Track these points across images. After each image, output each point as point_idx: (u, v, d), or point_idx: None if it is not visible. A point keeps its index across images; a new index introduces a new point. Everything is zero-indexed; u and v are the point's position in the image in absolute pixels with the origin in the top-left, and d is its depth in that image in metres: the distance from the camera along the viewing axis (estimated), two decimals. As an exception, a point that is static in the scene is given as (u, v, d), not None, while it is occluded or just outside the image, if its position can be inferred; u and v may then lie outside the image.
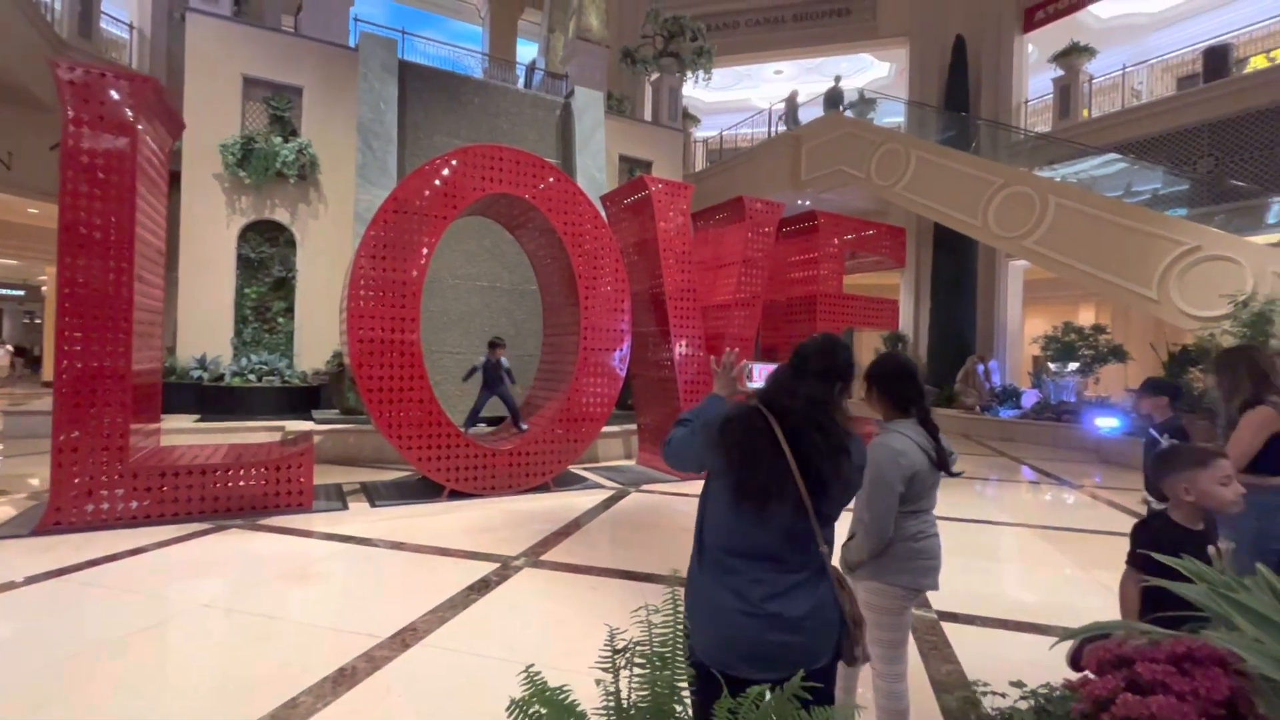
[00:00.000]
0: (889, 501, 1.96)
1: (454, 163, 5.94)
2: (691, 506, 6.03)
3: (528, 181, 6.32)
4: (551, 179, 6.46)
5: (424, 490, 6.15)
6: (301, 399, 9.56)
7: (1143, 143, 12.81)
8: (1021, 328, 15.96)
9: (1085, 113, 14.52)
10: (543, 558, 4.42)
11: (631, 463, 8.31)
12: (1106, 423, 10.82)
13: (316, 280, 10.44)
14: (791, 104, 15.30)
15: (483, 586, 3.83)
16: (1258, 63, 14.06)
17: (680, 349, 7.26)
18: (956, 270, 15.19)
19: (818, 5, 17.47)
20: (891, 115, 15.51)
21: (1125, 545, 2.03)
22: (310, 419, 8.60)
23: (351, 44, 11.31)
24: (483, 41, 18.86)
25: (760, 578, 1.44)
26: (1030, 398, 13.51)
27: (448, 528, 5.13)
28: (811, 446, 1.44)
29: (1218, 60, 12.78)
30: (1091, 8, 15.04)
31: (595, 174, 11.58)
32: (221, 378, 9.28)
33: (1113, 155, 12.27)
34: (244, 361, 9.57)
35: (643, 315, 7.50)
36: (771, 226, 7.91)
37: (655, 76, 14.51)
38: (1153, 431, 3.29)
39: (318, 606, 3.59)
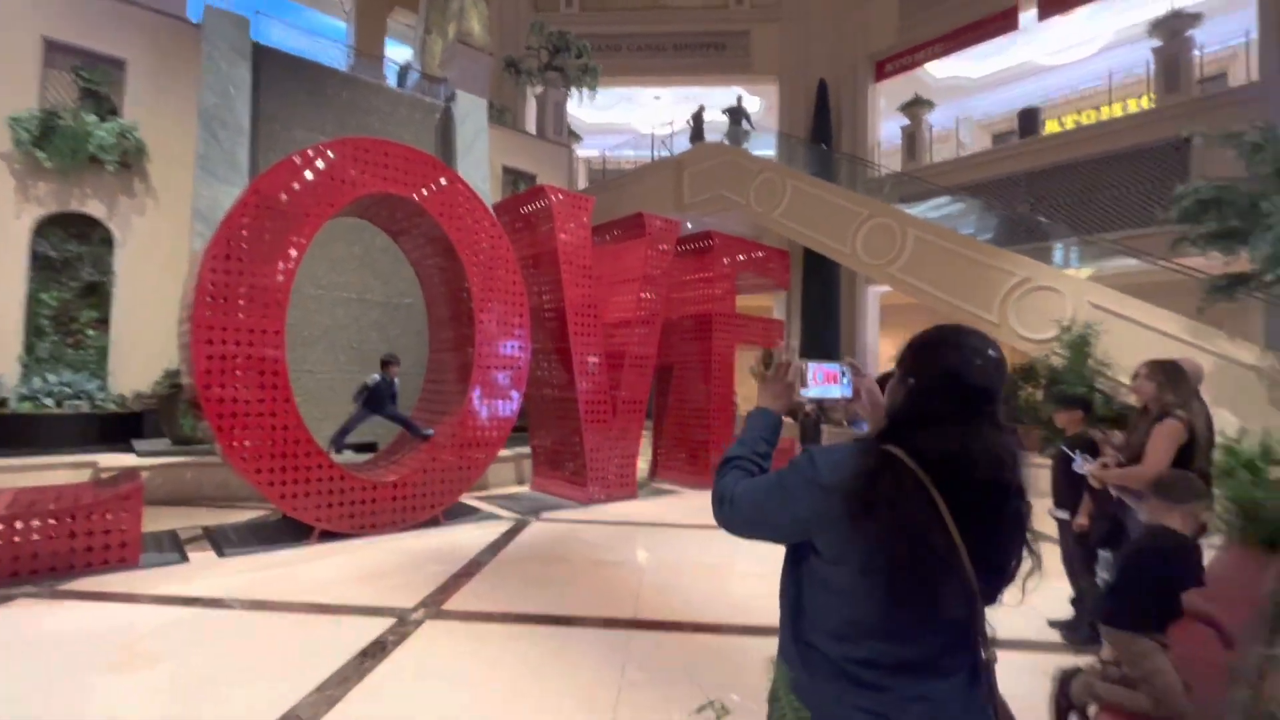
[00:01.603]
0: None
1: (331, 155, 5.21)
2: (600, 535, 5.65)
3: (417, 182, 5.71)
4: (444, 181, 5.90)
5: (287, 533, 5.24)
6: (118, 428, 7.94)
7: (975, 186, 14.55)
8: (878, 347, 17.40)
9: (928, 157, 16.28)
10: (446, 606, 3.84)
11: (526, 489, 7.78)
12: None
13: (141, 286, 8.82)
14: (698, 120, 15.65)
15: (378, 650, 3.21)
16: (1051, 127, 16.65)
17: (581, 367, 6.92)
18: (823, 294, 16.26)
19: (696, 38, 18.15)
20: (763, 147, 16.40)
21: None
22: (131, 452, 7.14)
23: (192, 17, 9.85)
24: (347, 36, 17.47)
25: (922, 693, 1.03)
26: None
27: (323, 577, 4.35)
28: (994, 520, 1.02)
29: (1029, 120, 14.92)
30: (927, 66, 16.97)
31: (478, 183, 10.97)
32: (4, 402, 7.47)
33: (949, 198, 13.81)
34: (38, 383, 7.78)
35: (539, 331, 7.07)
36: (670, 244, 7.85)
37: (540, 90, 14.19)
38: (1064, 447, 3.50)
39: (149, 704, 2.72)
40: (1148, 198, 12.26)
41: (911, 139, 16.08)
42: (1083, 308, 9.31)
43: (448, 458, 5.89)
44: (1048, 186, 13.51)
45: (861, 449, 1.07)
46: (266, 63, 9.16)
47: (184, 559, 4.62)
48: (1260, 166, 6.73)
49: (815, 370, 1.38)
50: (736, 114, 15.25)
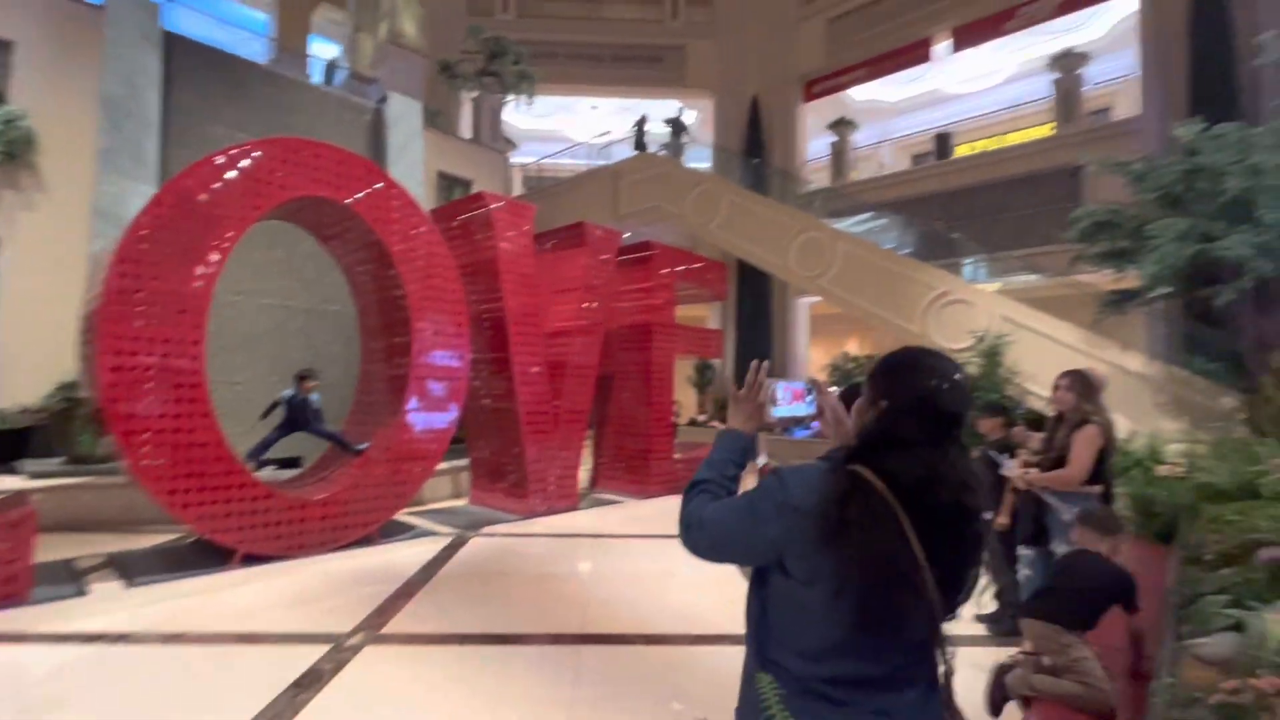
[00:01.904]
0: None
1: (259, 154, 4.92)
2: (543, 548, 5.57)
3: (351, 185, 5.48)
4: (379, 185, 5.69)
5: (204, 558, 4.87)
6: (1, 446, 7.17)
7: (896, 203, 15.37)
8: (808, 356, 18.03)
9: (853, 174, 17.07)
10: (385, 629, 3.67)
11: (464, 503, 7.56)
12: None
13: (29, 290, 8.03)
14: (640, 129, 15.74)
15: (314, 680, 3.03)
16: (962, 150, 17.85)
17: (523, 377, 6.81)
18: (756, 304, 16.72)
19: (633, 50, 18.35)
20: (698, 160, 16.75)
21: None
22: (15, 473, 6.46)
23: None
24: (268, 29, 16.61)
25: (881, 707, 1.04)
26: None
27: (248, 604, 4.07)
28: (957, 542, 1.04)
29: (944, 144, 15.92)
30: (851, 90, 17.83)
31: (413, 188, 10.58)
32: None
33: (873, 214, 14.54)
34: (-99, 398, 6.93)
35: (478, 340, 6.91)
36: (611, 254, 7.88)
37: (476, 94, 13.95)
38: (989, 451, 3.73)
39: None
40: (1048, 218, 13.30)
41: (839, 156, 16.82)
42: (994, 319, 9.99)
43: (382, 472, 5.64)
44: (961, 205, 14.45)
45: (830, 470, 1.08)
46: (179, 53, 8.57)
47: (82, 592, 4.21)
48: (1145, 193, 7.44)
49: (784, 389, 1.38)
50: (677, 126, 15.50)
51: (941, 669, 1.07)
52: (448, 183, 12.99)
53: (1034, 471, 3.28)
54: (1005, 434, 3.93)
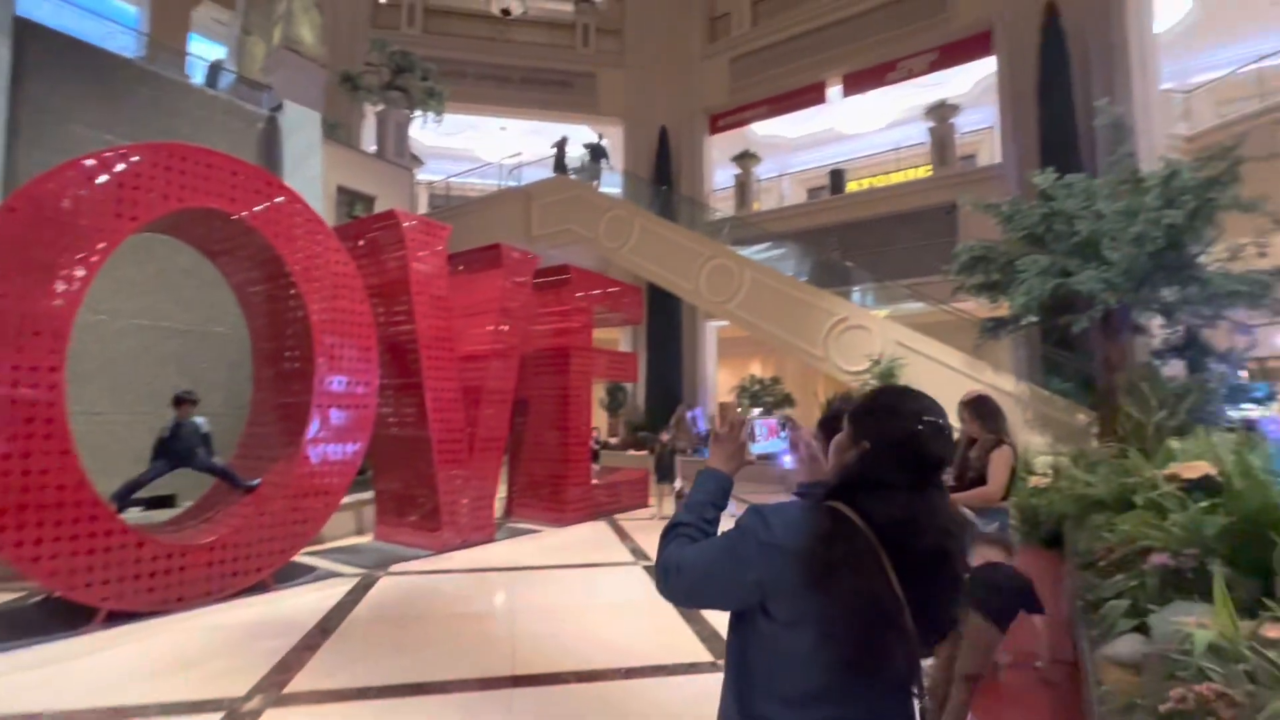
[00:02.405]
0: None
1: (137, 159, 4.43)
2: (461, 585, 5.30)
3: (247, 198, 5.05)
4: (280, 199, 5.29)
5: (58, 619, 4.21)
6: None
7: (795, 233, 16.26)
8: (716, 379, 18.53)
9: (756, 205, 17.92)
10: (289, 689, 3.31)
11: (369, 539, 7.05)
12: (789, 458, 13.08)
13: None
14: (561, 151, 15.63)
15: (207, 754, 2.67)
16: (853, 186, 19.25)
17: (435, 403, 6.49)
18: (666, 328, 17.01)
19: (544, 73, 18.39)
20: (609, 185, 16.94)
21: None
22: None
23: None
24: (139, 22, 15.20)
25: None
26: (728, 439, 15.64)
27: (117, 671, 3.54)
28: (934, 583, 1.04)
29: (838, 179, 17.10)
30: (753, 125, 18.79)
31: (311, 202, 9.95)
32: None
33: (774, 243, 15.30)
34: None
35: (387, 366, 6.53)
36: (528, 276, 7.74)
37: (380, 108, 13.39)
38: None
39: None
40: (929, 251, 14.56)
41: (742, 188, 17.60)
42: (888, 344, 10.73)
43: (278, 510, 5.15)
44: (852, 237, 15.49)
45: (812, 508, 1.07)
46: (33, 42, 7.62)
47: (-104, 669, 3.50)
48: (1013, 232, 8.32)
49: (760, 427, 1.37)
50: (597, 151, 15.62)
51: (918, 707, 1.08)
52: (349, 198, 12.33)
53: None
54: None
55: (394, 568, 5.86)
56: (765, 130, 18.90)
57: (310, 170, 10.20)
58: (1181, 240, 7.01)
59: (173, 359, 8.57)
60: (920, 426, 1.08)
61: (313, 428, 5.37)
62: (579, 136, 19.92)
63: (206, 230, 5.40)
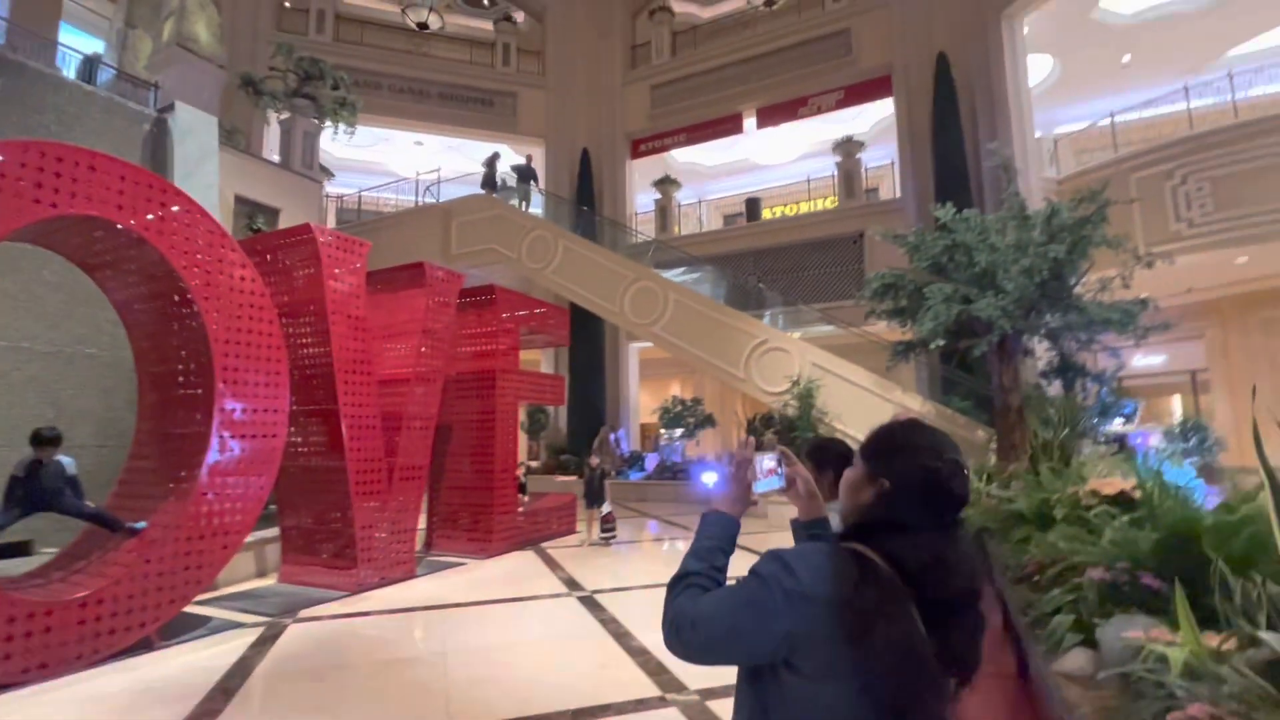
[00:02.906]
0: None
1: (0, 159, 3.87)
2: (383, 629, 4.97)
3: (138, 206, 4.54)
4: (177, 208, 4.79)
5: (-120, 701, 3.50)
6: None
7: (714, 258, 16.69)
8: (639, 400, 18.58)
9: (677, 229, 18.28)
10: (188, 765, 2.90)
11: (271, 582, 6.42)
12: (710, 478, 13.24)
13: None
14: (491, 168, 15.19)
15: None
16: (767, 214, 20.10)
17: (353, 431, 6.05)
18: (589, 349, 16.91)
19: (463, 90, 18.03)
20: (531, 205, 16.77)
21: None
22: None
23: None
24: (1, 7, 13.56)
25: None
26: (652, 461, 15.67)
27: (-38, 762, 2.98)
28: (966, 629, 1.02)
29: (754, 207, 17.78)
30: (674, 152, 19.26)
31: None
32: None
33: (692, 266, 15.64)
34: None
35: (298, 391, 6.02)
36: (452, 297, 7.44)
37: (285, 116, 12.60)
38: None
39: None
40: (839, 277, 15.39)
41: (664, 212, 17.92)
42: (806, 366, 11.16)
43: (168, 555, 4.56)
44: (768, 263, 16.10)
45: (834, 553, 1.02)
46: None
47: None
48: (919, 261, 8.92)
49: (762, 462, 1.31)
50: (525, 173, 15.38)
51: None
52: (249, 210, 11.46)
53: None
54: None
55: (304, 613, 5.35)
56: (684, 157, 19.43)
57: (205, 178, 9.42)
58: (1062, 272, 7.76)
59: (33, 384, 7.60)
60: (940, 464, 1.05)
61: (210, 459, 4.84)
62: (504, 156, 19.66)
63: (85, 241, 4.80)
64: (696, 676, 3.81)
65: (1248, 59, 13.63)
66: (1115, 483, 2.89)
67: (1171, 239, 10.92)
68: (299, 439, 6.20)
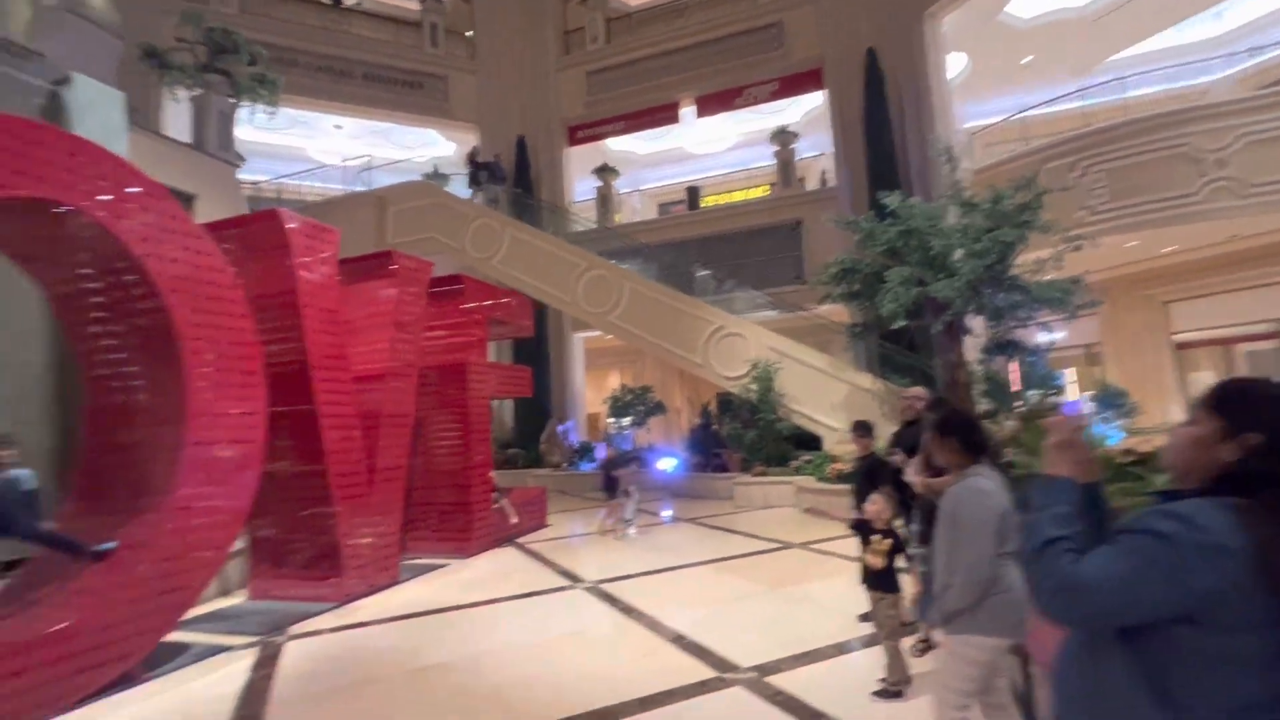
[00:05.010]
0: (986, 545, 1.94)
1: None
2: (391, 637, 4.82)
3: (93, 186, 3.98)
4: (138, 188, 4.25)
5: None
6: None
7: (656, 246, 16.74)
8: (585, 391, 18.41)
9: (617, 217, 18.18)
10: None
11: (240, 600, 5.88)
12: (667, 464, 13.35)
13: None
14: (474, 163, 14.41)
15: None
16: (707, 202, 20.38)
17: (332, 431, 5.63)
18: (533, 340, 16.55)
19: (390, 71, 17.03)
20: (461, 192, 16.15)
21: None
22: None
23: None
24: None
25: None
26: (601, 451, 15.59)
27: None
28: None
29: (694, 195, 17.96)
30: (606, 141, 19.09)
31: (120, 198, 8.22)
32: None
33: (639, 257, 15.64)
34: None
35: (270, 390, 5.53)
36: (422, 286, 7.06)
37: (197, 94, 11.42)
38: (892, 462, 4.16)
39: None
40: (780, 264, 15.85)
41: (604, 200, 17.77)
42: (763, 350, 11.45)
43: (145, 577, 4.08)
44: (711, 251, 16.33)
45: (1224, 506, 1.02)
46: None
47: None
48: (872, 247, 9.35)
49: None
50: (494, 170, 14.78)
51: None
52: (161, 196, 10.33)
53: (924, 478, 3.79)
54: (871, 452, 4.49)
55: (294, 629, 4.94)
56: (618, 146, 19.32)
57: (117, 159, 8.39)
58: (1007, 255, 8.37)
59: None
60: None
61: (186, 469, 4.36)
62: (423, 140, 18.77)
63: (21, 227, 4.17)
64: (746, 654, 3.86)
65: (1133, 61, 15.14)
66: (1150, 441, 3.18)
67: (1076, 225, 12.03)
68: (272, 442, 5.69)
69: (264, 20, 15.80)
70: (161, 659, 4.31)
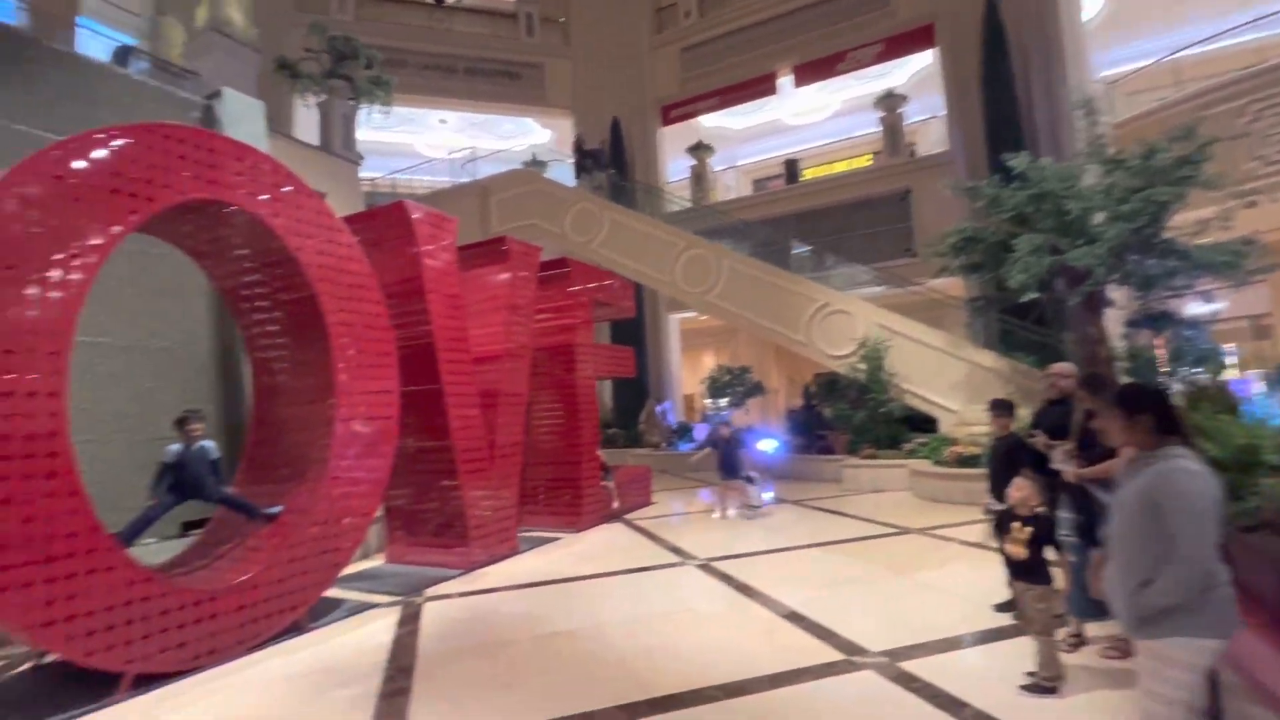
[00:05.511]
0: (1209, 532, 1.75)
1: (126, 143, 3.74)
2: (520, 604, 4.95)
3: (255, 187, 4.41)
4: (290, 188, 4.67)
5: (69, 690, 3.51)
6: None
7: (756, 222, 16.39)
8: (682, 371, 18.46)
9: (714, 195, 17.94)
10: (412, 744, 2.87)
11: (379, 563, 6.43)
12: (768, 445, 13.14)
13: None
14: (581, 151, 15.08)
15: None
16: (808, 174, 19.65)
17: (457, 409, 5.98)
18: (631, 321, 16.75)
19: (490, 64, 17.65)
20: (559, 177, 16.48)
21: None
22: None
23: None
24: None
25: None
26: (701, 431, 15.59)
27: (183, 749, 2.96)
28: None
29: (792, 169, 17.37)
30: (699, 118, 18.79)
31: (265, 198, 9.07)
32: None
33: (737, 234, 15.34)
34: None
35: (400, 371, 5.94)
36: (533, 271, 7.31)
37: (323, 99, 12.36)
38: (1033, 445, 3.86)
39: None
40: (886, 236, 15.06)
41: (699, 178, 17.57)
42: (871, 327, 10.95)
43: (308, 539, 4.54)
44: (811, 225, 15.78)
45: None
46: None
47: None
48: (998, 213, 8.63)
49: None
50: (599, 157, 15.16)
51: None
52: (297, 195, 11.30)
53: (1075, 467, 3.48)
54: (1010, 432, 4.19)
55: (429, 591, 5.34)
56: (711, 122, 18.98)
57: (261, 163, 9.25)
58: (1160, 217, 7.46)
59: (112, 379, 7.48)
60: None
61: (336, 443, 4.78)
62: (520, 129, 19.24)
63: (195, 226, 4.68)
64: (871, 638, 3.75)
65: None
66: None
67: (1247, 178, 10.51)
68: (403, 419, 6.13)
69: (375, 24, 16.79)
70: (321, 612, 4.79)
